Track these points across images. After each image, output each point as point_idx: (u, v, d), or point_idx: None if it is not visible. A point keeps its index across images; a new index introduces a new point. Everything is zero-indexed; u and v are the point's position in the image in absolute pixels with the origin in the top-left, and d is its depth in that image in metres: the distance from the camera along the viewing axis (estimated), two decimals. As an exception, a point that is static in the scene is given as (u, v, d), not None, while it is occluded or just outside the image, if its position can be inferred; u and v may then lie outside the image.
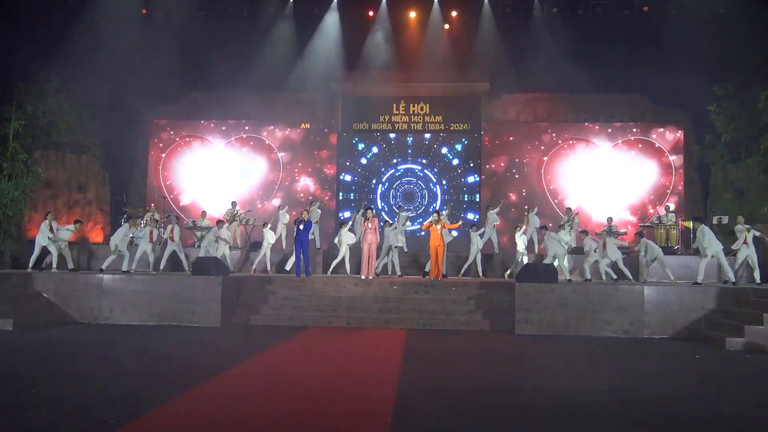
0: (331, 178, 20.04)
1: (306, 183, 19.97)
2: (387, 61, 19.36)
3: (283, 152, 19.97)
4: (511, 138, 19.74)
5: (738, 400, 6.69)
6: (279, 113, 20.00)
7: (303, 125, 20.04)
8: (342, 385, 7.07)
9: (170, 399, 6.13)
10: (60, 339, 10.20)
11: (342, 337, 10.66)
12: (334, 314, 12.22)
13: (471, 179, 19.79)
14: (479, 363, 8.74)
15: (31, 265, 13.27)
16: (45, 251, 13.53)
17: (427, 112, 19.88)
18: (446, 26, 19.55)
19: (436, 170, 19.90)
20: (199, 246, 14.70)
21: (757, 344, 9.72)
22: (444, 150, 19.93)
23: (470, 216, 19.26)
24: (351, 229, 15.00)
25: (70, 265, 13.62)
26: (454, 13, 19.39)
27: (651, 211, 18.46)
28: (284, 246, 15.99)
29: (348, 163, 20.09)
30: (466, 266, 14.96)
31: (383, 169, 20.01)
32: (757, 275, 12.50)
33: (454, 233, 14.94)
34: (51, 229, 13.29)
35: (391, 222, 15.39)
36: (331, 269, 14.93)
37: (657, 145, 19.17)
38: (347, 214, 18.64)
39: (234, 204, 17.11)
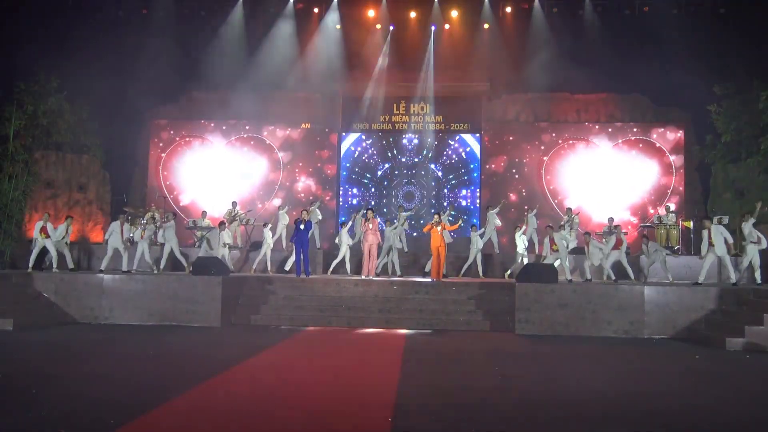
0: (331, 178, 20.03)
1: (306, 183, 19.97)
2: (387, 61, 19.35)
3: (283, 152, 19.96)
4: (511, 138, 19.74)
5: (738, 400, 6.69)
6: (279, 113, 19.98)
7: (303, 125, 20.04)
8: (342, 385, 7.07)
9: (170, 399, 6.13)
10: (60, 339, 10.21)
11: (342, 337, 10.66)
12: (334, 314, 12.22)
13: (471, 179, 19.78)
14: (479, 363, 8.74)
15: (30, 265, 13.27)
16: (44, 251, 13.52)
17: (427, 112, 19.87)
18: (446, 26, 19.53)
19: (435, 170, 19.88)
20: (199, 246, 14.69)
21: (757, 344, 9.72)
22: (444, 150, 19.92)
23: (471, 217, 19.27)
24: (351, 230, 15.00)
25: (70, 265, 13.63)
26: (454, 13, 19.37)
27: (651, 211, 18.45)
28: (284, 246, 15.99)
29: (348, 163, 20.08)
30: (466, 266, 14.97)
31: (383, 169, 20.00)
32: (758, 275, 12.48)
33: (453, 234, 14.93)
34: (44, 230, 13.29)
35: (391, 222, 15.38)
36: (331, 269, 14.93)
37: (657, 145, 19.16)
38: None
39: (234, 204, 17.10)
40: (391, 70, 19.40)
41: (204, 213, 16.99)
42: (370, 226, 14.00)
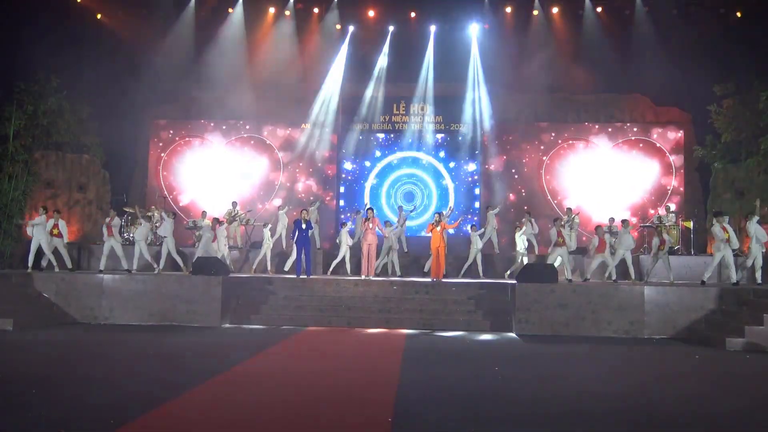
0: (331, 178, 20.02)
1: (306, 183, 19.96)
2: (387, 61, 19.35)
3: (283, 152, 19.95)
4: (511, 138, 19.73)
5: (738, 400, 6.69)
6: (279, 113, 19.98)
7: (303, 125, 20.03)
8: (342, 385, 7.07)
9: (170, 399, 6.13)
10: (60, 339, 10.21)
11: (342, 337, 10.66)
12: (334, 314, 12.23)
13: (471, 179, 19.77)
14: (479, 363, 8.74)
15: (30, 265, 13.27)
16: (39, 251, 13.49)
17: (427, 112, 19.87)
18: (446, 26, 19.52)
19: (435, 170, 19.87)
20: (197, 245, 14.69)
21: (757, 344, 9.72)
22: (444, 150, 19.90)
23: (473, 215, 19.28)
24: (351, 230, 14.99)
25: (69, 265, 13.63)
26: (454, 13, 19.35)
27: (651, 211, 18.44)
28: (284, 246, 15.98)
29: (348, 163, 20.07)
30: (466, 266, 14.97)
31: (383, 169, 19.99)
32: (758, 275, 12.49)
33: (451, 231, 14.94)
34: (55, 227, 13.32)
35: (391, 223, 15.39)
36: (331, 269, 14.93)
37: (657, 145, 19.15)
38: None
39: (234, 204, 17.11)
40: (391, 70, 19.39)
41: (204, 213, 17.00)
42: (370, 225, 14.01)
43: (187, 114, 20.18)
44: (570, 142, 19.52)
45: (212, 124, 20.01)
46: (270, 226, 15.13)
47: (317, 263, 15.42)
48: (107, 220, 13.86)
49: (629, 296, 11.48)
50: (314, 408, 6.01)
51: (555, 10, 19.12)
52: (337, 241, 15.12)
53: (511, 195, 19.27)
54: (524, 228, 15.15)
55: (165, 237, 14.00)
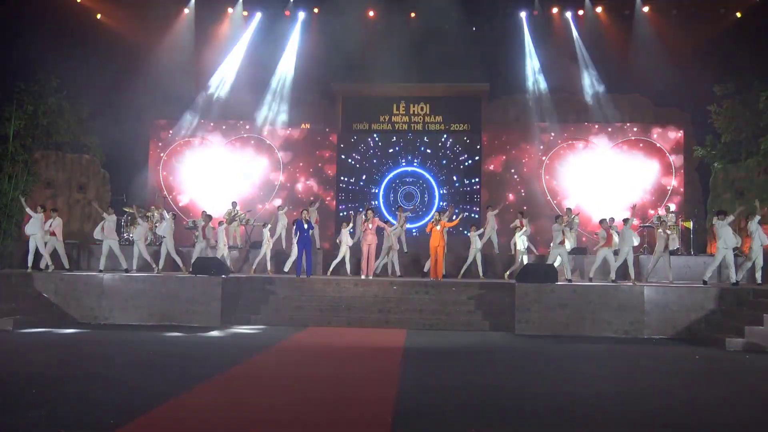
0: (332, 179, 20.02)
1: (307, 183, 19.96)
2: (387, 61, 19.34)
3: (283, 152, 19.95)
4: (510, 138, 19.73)
5: (738, 400, 6.69)
6: (279, 113, 19.98)
7: (303, 125, 20.03)
8: (342, 385, 7.07)
9: (170, 399, 6.13)
10: (60, 339, 10.21)
11: (342, 338, 10.65)
12: (334, 314, 12.22)
13: (471, 179, 19.77)
14: (479, 363, 8.74)
15: (30, 264, 13.27)
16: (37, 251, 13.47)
17: (427, 112, 19.86)
18: (446, 26, 19.50)
19: (435, 170, 19.88)
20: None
21: (757, 344, 9.72)
22: (444, 150, 19.91)
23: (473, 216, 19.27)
24: (351, 230, 14.98)
25: (66, 265, 13.64)
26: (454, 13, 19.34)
27: (651, 212, 18.43)
28: (284, 246, 15.97)
29: (348, 163, 20.08)
30: (465, 266, 14.94)
31: (383, 170, 20.00)
32: (758, 275, 12.48)
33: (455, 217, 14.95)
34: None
35: (392, 223, 15.38)
36: (330, 269, 14.91)
37: (657, 145, 19.15)
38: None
39: (234, 204, 17.11)
40: (391, 70, 19.37)
41: (204, 213, 16.98)
42: (370, 225, 14.00)
43: (187, 114, 20.14)
44: (570, 142, 19.52)
45: (212, 124, 20.01)
46: (269, 226, 15.12)
47: (317, 263, 15.40)
48: (105, 216, 13.84)
49: (629, 296, 11.48)
50: (314, 408, 6.01)
51: (555, 10, 19.16)
52: (337, 241, 15.10)
53: (510, 195, 19.27)
54: (524, 228, 15.15)
55: (164, 237, 14.00)
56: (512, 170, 19.59)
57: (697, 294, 11.45)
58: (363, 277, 13.66)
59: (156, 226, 15.72)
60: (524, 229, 15.06)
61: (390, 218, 17.39)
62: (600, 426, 5.63)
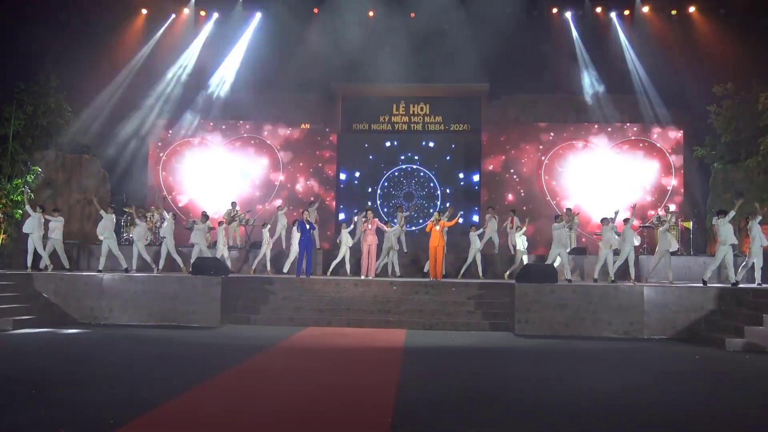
0: (332, 179, 20.02)
1: (307, 183, 19.95)
2: (387, 60, 19.33)
3: (283, 152, 19.94)
4: (510, 138, 19.73)
5: (738, 400, 6.69)
6: (279, 113, 19.98)
7: (303, 125, 20.02)
8: (341, 385, 7.07)
9: (170, 399, 6.13)
10: (60, 339, 10.21)
11: (342, 338, 10.65)
12: (333, 314, 12.23)
13: (470, 179, 19.77)
14: (479, 363, 8.74)
15: (29, 264, 13.27)
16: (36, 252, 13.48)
17: (427, 112, 19.86)
18: (446, 26, 19.50)
19: (435, 170, 19.88)
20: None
21: (757, 345, 9.73)
22: (444, 150, 19.91)
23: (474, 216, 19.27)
24: (351, 230, 14.98)
25: (66, 265, 13.64)
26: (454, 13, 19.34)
27: (651, 212, 18.42)
28: (284, 246, 15.97)
29: (348, 164, 20.08)
30: (465, 267, 14.96)
31: (383, 170, 20.00)
32: (758, 275, 12.49)
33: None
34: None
35: (392, 224, 15.38)
36: (330, 270, 14.92)
37: (657, 145, 19.14)
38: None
39: (234, 204, 17.10)
40: (391, 70, 19.37)
41: (204, 213, 16.97)
42: (370, 226, 14.01)
43: (187, 114, 20.15)
44: (570, 142, 19.51)
45: (212, 124, 20.00)
46: (269, 226, 15.12)
47: (317, 263, 15.40)
48: (102, 214, 13.83)
49: (629, 296, 11.48)
50: (314, 408, 6.01)
51: (554, 10, 19.16)
52: (337, 241, 15.11)
53: (509, 195, 19.26)
54: (524, 228, 15.15)
55: (164, 237, 14.01)
56: (512, 170, 19.59)
57: (696, 294, 11.45)
58: (363, 277, 13.67)
59: (156, 226, 15.74)
60: (524, 228, 15.06)
61: (387, 219, 17.38)
62: (600, 426, 5.63)
